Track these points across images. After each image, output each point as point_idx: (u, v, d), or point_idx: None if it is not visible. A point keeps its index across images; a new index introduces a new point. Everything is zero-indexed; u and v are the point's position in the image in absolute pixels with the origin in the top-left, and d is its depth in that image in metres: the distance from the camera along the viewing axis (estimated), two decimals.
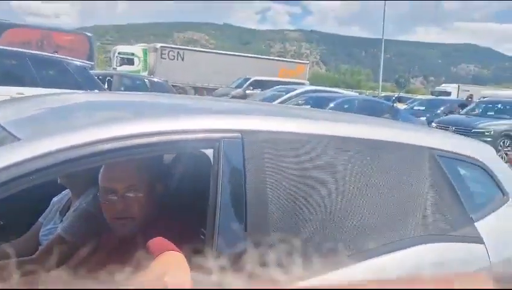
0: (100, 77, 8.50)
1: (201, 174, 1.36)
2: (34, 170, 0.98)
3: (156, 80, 12.66)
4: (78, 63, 6.34)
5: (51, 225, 1.91)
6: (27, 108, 1.52)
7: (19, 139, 1.06)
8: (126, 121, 1.21)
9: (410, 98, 21.41)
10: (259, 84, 16.58)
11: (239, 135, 1.31)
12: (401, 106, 14.43)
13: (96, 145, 1.08)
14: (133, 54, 22.13)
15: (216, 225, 1.21)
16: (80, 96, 1.94)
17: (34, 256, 1.73)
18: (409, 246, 1.52)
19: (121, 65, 21.04)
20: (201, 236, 1.46)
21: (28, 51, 6.04)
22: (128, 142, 1.14)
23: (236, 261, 1.21)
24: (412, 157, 1.63)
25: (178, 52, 23.42)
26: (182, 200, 1.55)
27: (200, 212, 1.43)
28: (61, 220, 1.86)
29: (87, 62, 7.07)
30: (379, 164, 1.53)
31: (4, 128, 1.17)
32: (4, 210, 2.11)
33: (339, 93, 12.81)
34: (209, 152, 1.30)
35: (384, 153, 1.56)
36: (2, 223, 2.14)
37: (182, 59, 23.17)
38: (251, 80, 17.46)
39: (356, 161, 1.48)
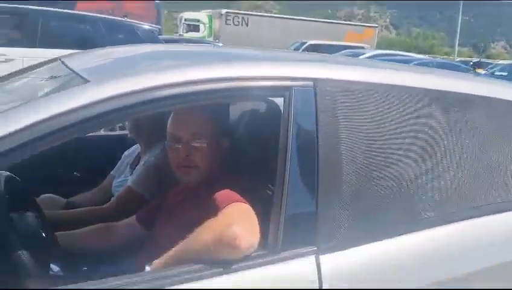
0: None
1: (270, 124, 1.29)
2: (103, 112, 0.96)
3: (221, 45, 12.71)
4: (146, 27, 6.50)
5: (122, 178, 1.97)
6: (99, 57, 1.53)
7: (88, 81, 1.05)
8: (194, 66, 1.16)
9: (490, 64, 19.66)
10: (315, 49, 15.84)
11: (311, 83, 1.21)
12: (480, 72, 13.30)
13: (164, 89, 1.04)
14: (198, 21, 22.39)
15: (286, 180, 1.14)
16: (148, 47, 1.94)
17: (106, 205, 1.80)
18: (496, 212, 1.37)
19: (187, 32, 21.40)
20: (268, 192, 1.41)
21: (100, 15, 6.27)
22: (196, 88, 1.08)
23: (306, 220, 1.15)
24: (506, 114, 1.45)
25: (242, 18, 23.28)
26: (249, 153, 1.50)
27: (268, 167, 1.37)
28: (131, 173, 1.91)
29: (155, 26, 7.22)
30: (469, 120, 1.36)
31: (76, 73, 1.17)
32: (80, 164, 2.22)
33: (412, 56, 12.04)
34: (279, 101, 1.22)
35: (475, 108, 1.39)
36: (78, 175, 2.26)
37: (247, 25, 23.03)
38: (306, 44, 16.80)
39: (442, 116, 1.32)
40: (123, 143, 2.15)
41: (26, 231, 1.17)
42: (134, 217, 1.62)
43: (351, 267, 1.18)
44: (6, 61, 5.25)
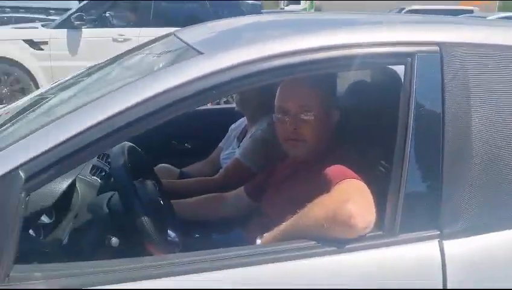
0: None
1: (387, 95, 1.19)
2: (218, 83, 0.95)
3: None
4: (249, 2, 6.55)
5: (229, 150, 2.02)
6: (209, 30, 1.54)
7: (202, 53, 1.05)
8: (305, 34, 1.10)
9: None
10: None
11: (437, 48, 1.07)
12: None
13: (276, 59, 1.00)
14: None
15: (406, 156, 1.03)
16: (254, 18, 1.92)
17: (215, 176, 1.86)
18: None
19: (287, 5, 21.20)
20: (381, 168, 1.32)
21: None
22: (309, 57, 1.02)
23: (428, 201, 1.04)
24: None
25: None
26: (360, 127, 1.41)
27: (382, 141, 1.27)
28: (239, 146, 1.94)
29: (257, 1, 7.25)
30: None
31: (189, 45, 1.18)
32: (190, 136, 2.33)
33: None
34: (399, 69, 1.11)
35: None
36: (189, 146, 2.37)
37: None
38: (405, 9, 15.26)
39: None
40: (230, 116, 2.19)
41: (147, 198, 1.24)
42: (242, 188, 1.65)
43: (477, 256, 1.05)
44: (124, 40, 5.70)
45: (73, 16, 5.62)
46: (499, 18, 9.32)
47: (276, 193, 1.44)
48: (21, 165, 0.87)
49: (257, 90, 1.69)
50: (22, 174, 0.87)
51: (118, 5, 6.46)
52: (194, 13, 6.24)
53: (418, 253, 1.02)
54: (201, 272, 0.93)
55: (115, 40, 5.70)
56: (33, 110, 1.31)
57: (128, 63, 1.52)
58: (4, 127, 1.24)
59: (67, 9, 8.57)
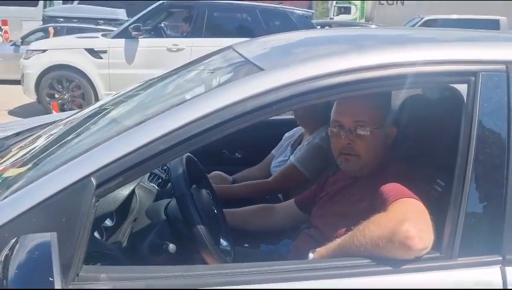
0: (319, 26, 8.65)
1: (450, 115, 1.16)
2: (278, 99, 0.98)
3: (374, 26, 12.14)
4: (300, 12, 6.58)
5: (282, 157, 2.04)
6: (267, 44, 1.58)
7: (263, 70, 1.08)
8: (364, 51, 1.10)
9: None
10: (430, 24, 13.01)
11: (503, 67, 1.04)
12: None
13: (335, 76, 1.01)
14: (350, 3, 21.77)
15: (467, 177, 1.00)
16: (309, 33, 1.94)
17: (269, 179, 1.88)
18: None
19: (338, 14, 21.03)
20: (437, 187, 1.28)
21: (258, 3, 6.57)
22: (367, 75, 1.03)
23: (490, 225, 1.01)
24: None
25: None
26: (417, 144, 1.38)
27: (439, 160, 1.24)
28: (292, 153, 1.95)
29: (308, 10, 7.27)
30: None
31: (250, 61, 1.22)
32: (241, 146, 2.37)
33: None
34: (462, 88, 1.08)
35: None
36: (239, 156, 2.41)
37: (402, 3, 21.50)
38: (424, 19, 14.06)
39: None
40: (282, 127, 2.21)
41: (203, 206, 1.28)
42: (293, 200, 1.66)
43: None
44: (178, 50, 5.90)
45: (131, 27, 5.90)
46: None
47: (327, 206, 1.44)
48: (93, 173, 0.94)
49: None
50: (93, 180, 0.93)
51: (173, 16, 6.70)
52: (245, 24, 6.35)
53: (477, 279, 0.99)
54: (256, 283, 0.95)
55: (169, 49, 5.91)
56: (100, 121, 1.40)
57: (190, 76, 1.59)
58: (73, 135, 1.33)
59: (114, 20, 9.02)
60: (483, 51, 1.10)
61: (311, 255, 1.14)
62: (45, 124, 1.84)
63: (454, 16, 13.23)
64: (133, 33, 5.82)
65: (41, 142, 1.41)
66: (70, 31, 8.15)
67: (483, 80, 1.03)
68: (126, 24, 6.21)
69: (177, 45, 5.93)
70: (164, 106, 1.08)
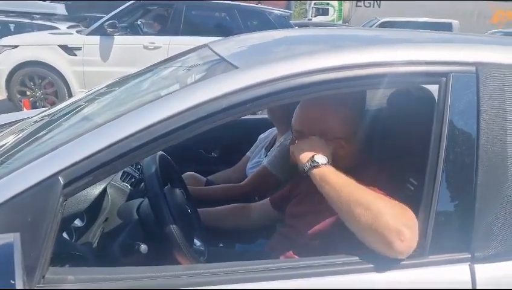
0: (296, 27, 8.69)
1: (422, 115, 1.18)
2: (252, 97, 0.97)
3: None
4: (278, 12, 6.59)
5: (256, 159, 2.03)
6: (242, 43, 1.57)
7: (237, 68, 1.07)
8: (341, 51, 1.10)
9: None
10: (389, 26, 13.19)
11: (473, 68, 1.06)
12: None
13: (311, 75, 1.01)
14: (328, 4, 21.99)
15: (438, 176, 1.02)
16: (283, 32, 1.94)
17: (242, 183, 1.87)
18: None
19: (316, 16, 21.21)
20: (410, 186, 1.30)
21: (235, 2, 6.55)
22: (338, 74, 1.03)
23: (459, 223, 1.02)
24: None
25: None
26: (388, 144, 1.40)
27: (411, 159, 1.26)
28: (266, 155, 1.95)
29: (286, 11, 7.28)
30: None
31: (224, 59, 1.21)
32: (217, 145, 2.36)
33: None
34: (433, 89, 1.10)
35: None
36: (215, 155, 2.40)
37: (379, 6, 21.85)
38: (379, 21, 14.25)
39: None
40: (258, 127, 2.21)
41: (176, 206, 1.26)
42: (268, 199, 1.65)
43: (510, 282, 1.02)
44: (155, 48, 5.82)
45: (106, 23, 5.78)
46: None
47: (301, 205, 1.44)
48: (60, 171, 0.91)
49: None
50: (61, 179, 0.90)
51: (150, 14, 6.61)
52: (223, 23, 6.32)
53: (447, 276, 1.00)
54: (230, 283, 0.94)
55: (145, 47, 5.82)
56: (71, 118, 1.36)
57: (165, 73, 1.56)
58: (42, 132, 1.29)
59: (52, 14, 8.67)
60: (454, 52, 1.12)
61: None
62: (14, 121, 1.78)
63: (409, 19, 13.34)
64: (108, 30, 5.71)
65: (9, 140, 1.36)
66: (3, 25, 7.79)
67: (453, 80, 1.05)
68: (101, 21, 6.08)
69: (154, 43, 5.85)
70: (137, 103, 1.06)
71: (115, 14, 6.05)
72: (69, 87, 5.78)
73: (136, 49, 5.80)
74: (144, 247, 1.17)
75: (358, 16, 20.82)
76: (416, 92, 1.22)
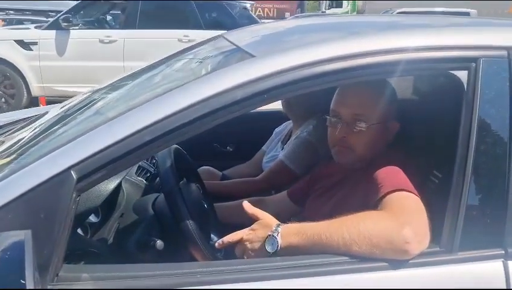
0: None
1: (446, 102, 1.12)
2: (270, 87, 0.92)
3: None
4: (237, 3, 6.42)
5: (272, 153, 1.99)
6: (257, 33, 1.52)
7: (254, 56, 1.03)
8: (360, 37, 1.05)
9: None
10: None
11: (505, 52, 1.00)
12: None
13: (331, 63, 0.96)
14: None
15: (468, 169, 0.96)
16: (302, 20, 1.88)
17: (258, 177, 1.83)
18: None
19: (329, 8, 21.00)
20: (434, 179, 1.24)
21: None
22: (361, 61, 0.98)
23: (491, 218, 0.97)
24: None
25: None
26: (413, 135, 1.34)
27: (436, 151, 1.20)
28: (282, 148, 1.91)
29: (247, 2, 6.98)
30: None
31: (241, 48, 1.16)
32: (233, 139, 2.32)
33: None
34: (462, 75, 1.04)
35: None
36: (231, 149, 2.36)
37: None
38: (394, 12, 14.06)
39: None
40: (273, 120, 2.16)
41: (192, 201, 1.23)
42: (285, 192, 1.61)
43: None
44: (111, 42, 5.78)
45: (61, 18, 5.76)
46: None
47: (322, 198, 1.39)
48: (73, 166, 0.88)
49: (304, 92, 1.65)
50: (74, 174, 0.87)
51: (106, 8, 6.60)
52: (180, 16, 6.16)
53: (478, 273, 0.95)
54: (248, 281, 0.90)
55: (101, 41, 5.79)
56: (83, 112, 1.33)
57: (180, 64, 1.52)
58: (54, 128, 1.26)
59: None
60: (483, 36, 1.06)
61: (277, 233, 1.04)
62: (25, 118, 1.77)
63: (426, 9, 13.16)
64: (63, 24, 5.69)
65: (21, 136, 1.35)
66: (21, 23, 7.93)
67: (484, 66, 0.99)
68: (58, 15, 6.09)
69: (110, 37, 5.81)
70: (150, 96, 1.02)
71: (71, 8, 6.05)
72: (26, 82, 5.77)
73: (92, 43, 5.79)
74: (159, 243, 1.14)
75: (373, 8, 20.54)
76: (443, 78, 1.17)
